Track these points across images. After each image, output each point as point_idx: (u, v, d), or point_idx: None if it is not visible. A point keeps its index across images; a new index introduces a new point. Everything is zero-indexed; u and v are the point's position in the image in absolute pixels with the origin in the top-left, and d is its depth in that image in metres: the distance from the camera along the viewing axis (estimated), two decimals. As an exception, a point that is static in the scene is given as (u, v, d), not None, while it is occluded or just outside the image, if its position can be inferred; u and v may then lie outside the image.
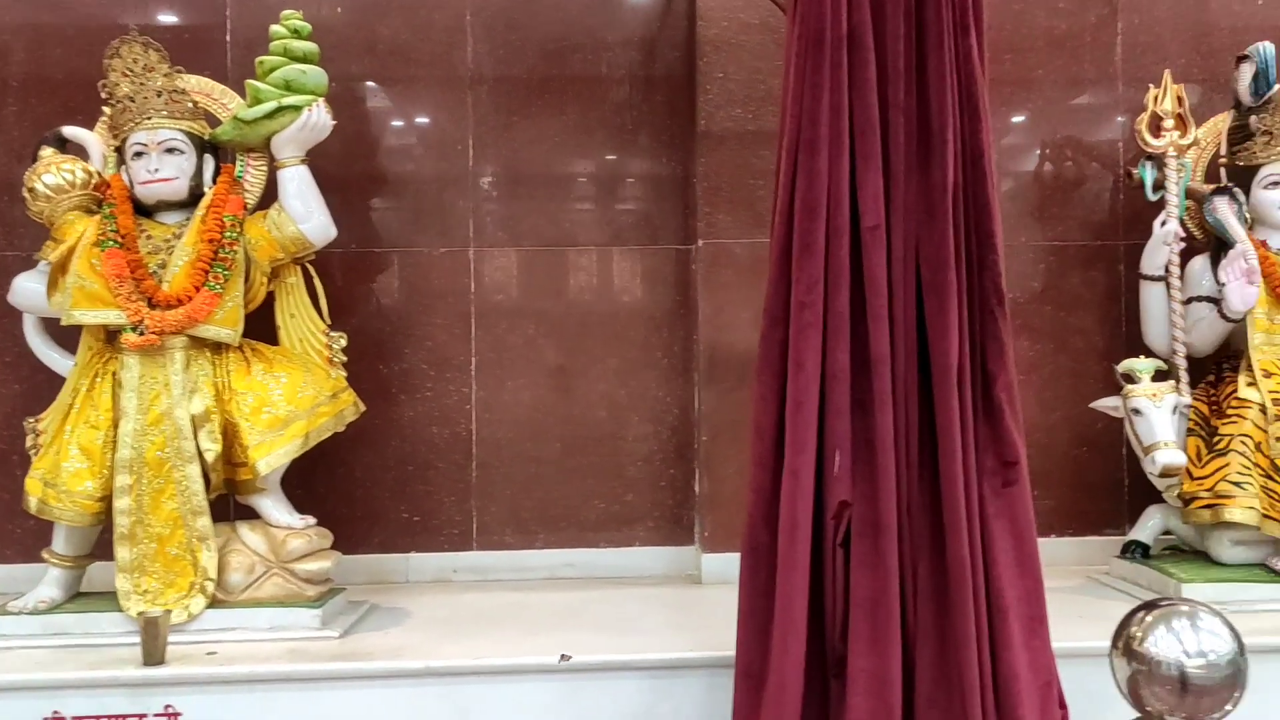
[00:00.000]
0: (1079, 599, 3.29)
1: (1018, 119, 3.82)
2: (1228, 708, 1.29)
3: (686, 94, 3.68)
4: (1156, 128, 3.44)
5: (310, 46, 3.13)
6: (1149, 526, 3.48)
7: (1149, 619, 1.30)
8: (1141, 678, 1.30)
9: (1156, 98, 3.44)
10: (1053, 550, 3.77)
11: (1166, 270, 3.42)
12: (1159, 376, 3.31)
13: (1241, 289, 3.27)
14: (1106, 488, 3.79)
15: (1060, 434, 3.81)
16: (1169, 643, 1.28)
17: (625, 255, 3.75)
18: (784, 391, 2.41)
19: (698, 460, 3.65)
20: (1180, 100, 3.44)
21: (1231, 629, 1.34)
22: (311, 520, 3.10)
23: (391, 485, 3.64)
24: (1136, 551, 3.45)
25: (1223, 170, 3.53)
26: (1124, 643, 1.30)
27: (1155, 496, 3.46)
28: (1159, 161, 3.44)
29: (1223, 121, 3.57)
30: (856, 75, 2.41)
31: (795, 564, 2.34)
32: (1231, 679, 1.29)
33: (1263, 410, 3.20)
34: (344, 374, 3.21)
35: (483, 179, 3.68)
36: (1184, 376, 3.42)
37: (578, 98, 3.72)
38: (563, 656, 2.59)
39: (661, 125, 3.73)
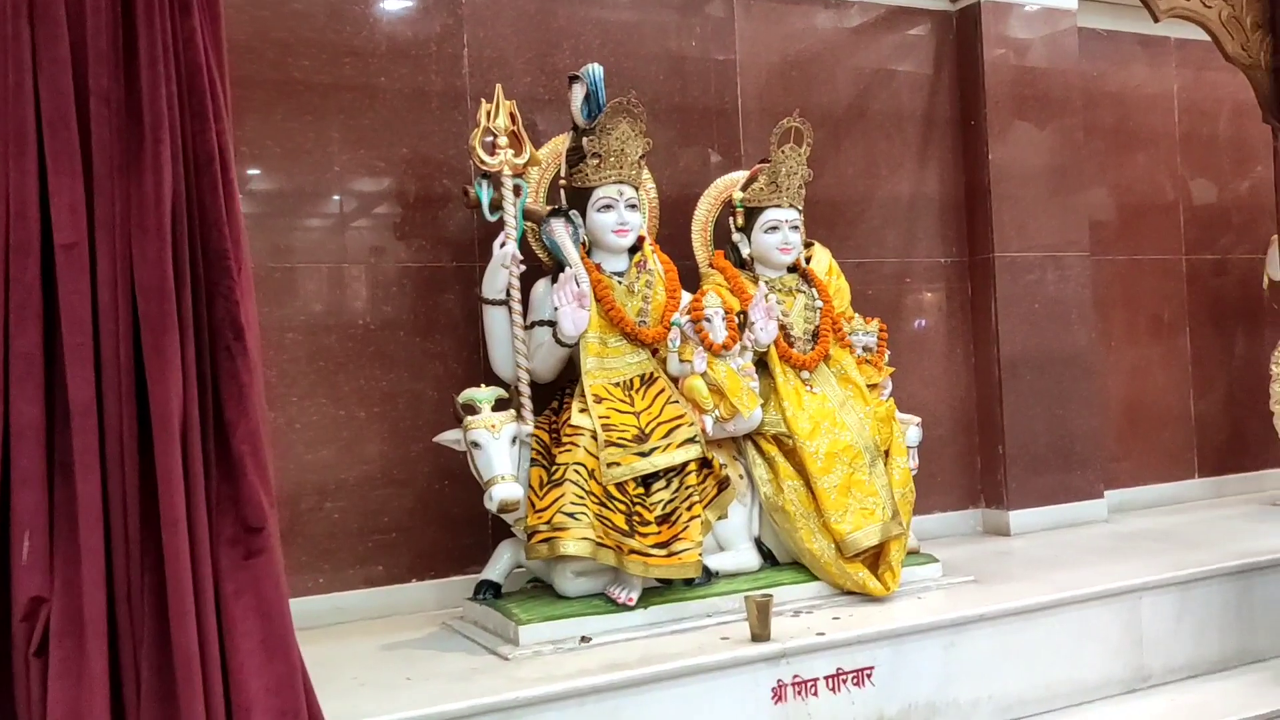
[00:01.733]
0: (420, 654, 3.01)
1: (362, 128, 3.51)
2: None
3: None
4: (493, 146, 3.28)
5: None
6: (501, 563, 3.31)
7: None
8: None
9: (489, 114, 3.28)
10: (414, 595, 3.54)
11: (508, 293, 3.27)
12: (500, 405, 3.14)
13: (573, 313, 3.20)
14: (469, 522, 3.60)
15: (421, 468, 3.57)
16: None
17: None
18: (-50, 459, 1.83)
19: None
20: (514, 117, 3.31)
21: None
22: None
23: None
24: (488, 592, 3.26)
25: (563, 191, 3.47)
26: None
27: (511, 531, 3.30)
28: (496, 180, 3.29)
29: (562, 142, 3.52)
30: (44, 54, 1.91)
31: (-38, 687, 1.77)
32: None
33: (594, 437, 3.14)
34: None
35: None
36: (527, 404, 3.29)
37: None
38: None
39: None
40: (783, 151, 3.62)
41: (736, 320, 3.42)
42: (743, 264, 3.71)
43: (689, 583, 3.23)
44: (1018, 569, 3.77)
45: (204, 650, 1.88)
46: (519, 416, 3.20)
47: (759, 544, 3.48)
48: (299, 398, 3.44)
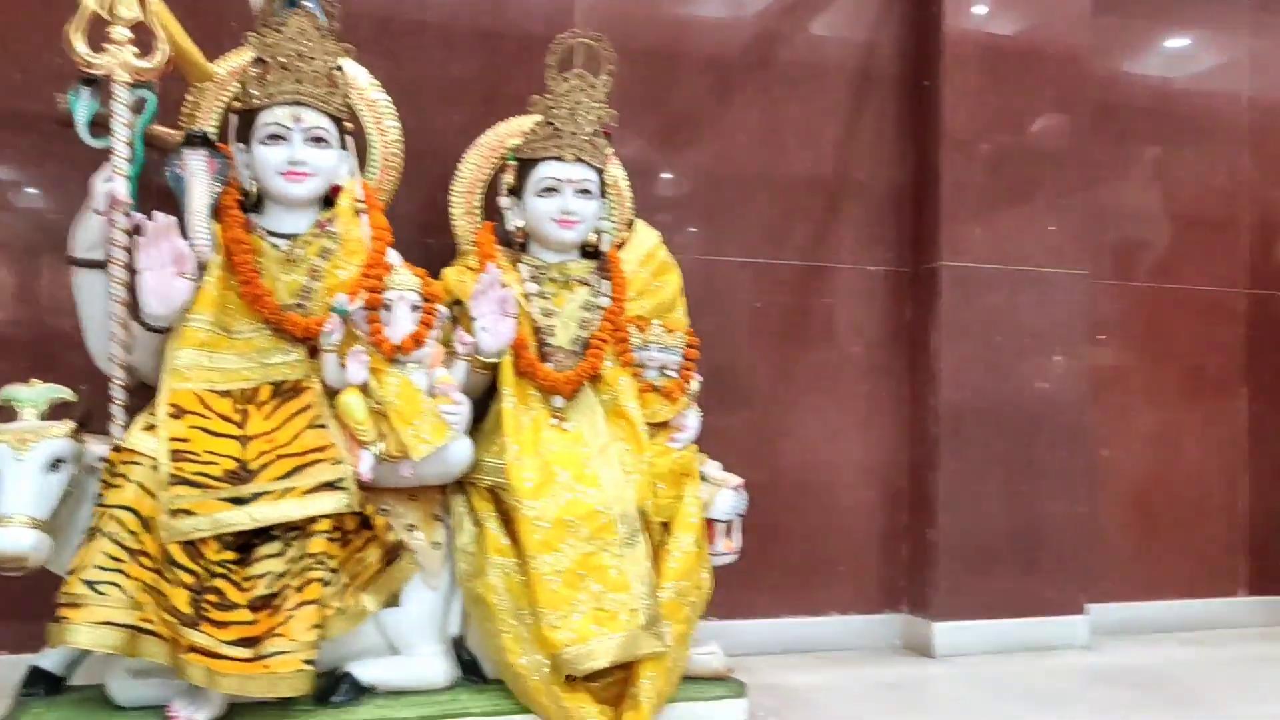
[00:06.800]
0: None
1: None
2: None
3: None
4: (103, 36, 2.27)
5: None
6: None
7: None
8: None
9: (102, -9, 2.28)
10: None
11: (108, 253, 2.26)
12: (61, 412, 2.12)
13: (157, 281, 2.16)
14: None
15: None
16: None
17: None
18: None
19: None
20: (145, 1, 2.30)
21: None
22: None
23: None
24: (39, 685, 2.22)
25: (233, 116, 2.44)
26: None
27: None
28: (103, 88, 2.28)
29: (249, 52, 2.48)
30: None
31: None
32: None
33: (156, 468, 2.07)
34: None
35: None
36: (119, 412, 2.26)
37: None
38: None
39: None
40: (565, 79, 2.51)
41: (445, 312, 2.31)
42: (509, 241, 2.60)
43: (324, 700, 2.13)
44: None
45: None
46: (87, 430, 2.17)
47: (459, 648, 2.34)
48: None
